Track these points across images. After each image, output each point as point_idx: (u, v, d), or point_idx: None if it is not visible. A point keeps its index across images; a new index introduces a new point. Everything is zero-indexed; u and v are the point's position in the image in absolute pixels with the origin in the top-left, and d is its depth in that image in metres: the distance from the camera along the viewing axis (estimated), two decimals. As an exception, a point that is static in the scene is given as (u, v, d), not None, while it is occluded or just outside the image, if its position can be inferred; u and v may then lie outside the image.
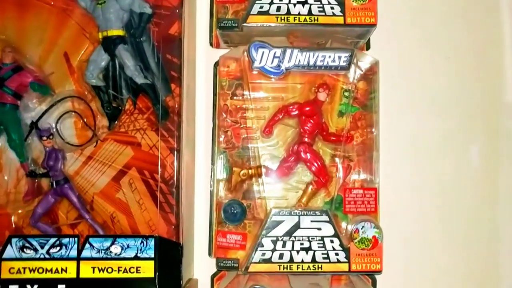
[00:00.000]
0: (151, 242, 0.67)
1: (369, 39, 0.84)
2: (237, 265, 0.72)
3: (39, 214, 0.74)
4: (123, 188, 0.79)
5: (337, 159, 0.79)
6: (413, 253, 0.82)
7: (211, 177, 0.81)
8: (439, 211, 0.83)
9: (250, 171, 0.78)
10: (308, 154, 0.76)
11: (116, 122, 0.77)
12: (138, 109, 0.79)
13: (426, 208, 0.83)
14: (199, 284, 0.82)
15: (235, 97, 0.79)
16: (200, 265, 0.82)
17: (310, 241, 0.70)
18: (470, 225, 0.83)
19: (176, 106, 0.78)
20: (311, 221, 0.71)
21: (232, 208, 0.74)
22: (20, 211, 0.74)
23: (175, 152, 0.77)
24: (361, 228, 0.71)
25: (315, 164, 0.76)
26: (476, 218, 0.83)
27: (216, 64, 0.83)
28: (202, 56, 0.86)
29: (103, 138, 0.78)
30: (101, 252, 0.67)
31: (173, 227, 0.74)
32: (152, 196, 0.78)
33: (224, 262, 0.72)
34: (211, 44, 0.86)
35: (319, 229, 0.71)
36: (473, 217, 0.83)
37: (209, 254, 0.80)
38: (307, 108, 0.77)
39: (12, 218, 0.74)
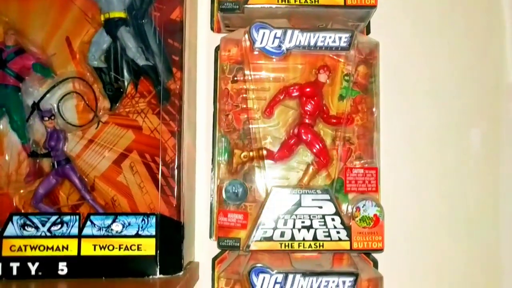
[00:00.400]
0: (152, 220, 0.67)
1: (369, 24, 0.84)
2: (238, 244, 0.72)
3: (41, 195, 0.74)
4: (124, 171, 0.79)
5: (337, 142, 0.79)
6: (414, 234, 0.82)
7: (212, 160, 0.81)
8: (440, 194, 0.83)
9: (251, 153, 0.78)
10: (309, 136, 0.77)
11: (117, 103, 0.78)
12: (140, 93, 0.79)
13: (427, 190, 0.83)
14: (200, 267, 0.82)
15: (236, 78, 0.79)
16: (201, 248, 0.82)
17: (311, 219, 0.70)
18: (471, 207, 0.83)
19: (178, 89, 0.78)
20: (312, 200, 0.71)
21: (234, 188, 0.74)
22: (22, 191, 0.74)
23: (176, 135, 0.78)
24: (362, 207, 0.71)
25: (316, 146, 0.76)
26: (477, 200, 0.83)
27: (217, 49, 0.83)
28: (203, 41, 0.87)
29: (104, 120, 0.78)
30: (102, 229, 0.67)
31: (174, 205, 0.74)
32: (153, 179, 0.78)
33: (225, 241, 0.72)
34: (212, 29, 0.87)
35: (320, 207, 0.71)
36: (474, 199, 0.83)
37: (210, 237, 0.80)
38: (308, 89, 0.77)
39: (14, 199, 0.74)
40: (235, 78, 0.80)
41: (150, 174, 0.79)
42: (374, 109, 0.78)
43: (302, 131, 0.77)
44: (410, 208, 0.82)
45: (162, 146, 0.79)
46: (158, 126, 0.79)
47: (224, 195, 0.74)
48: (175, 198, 0.78)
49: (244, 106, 0.80)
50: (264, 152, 0.78)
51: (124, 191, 0.78)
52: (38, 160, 0.76)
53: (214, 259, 0.81)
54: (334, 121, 0.79)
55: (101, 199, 0.76)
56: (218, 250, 0.80)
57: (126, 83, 0.78)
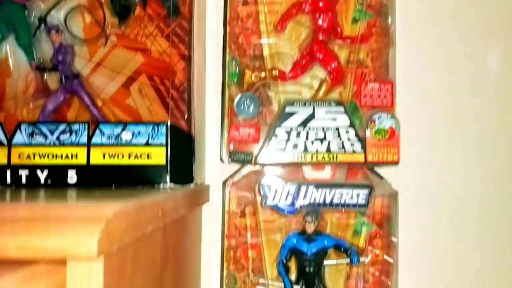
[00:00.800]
0: (163, 129, 0.66)
1: None
2: (250, 157, 0.70)
3: (49, 111, 0.73)
4: (133, 95, 0.79)
5: (350, 65, 0.77)
6: (429, 152, 0.80)
7: (222, 83, 0.79)
8: (456, 114, 0.81)
9: (262, 73, 0.76)
10: (322, 53, 0.75)
11: (126, 20, 0.76)
12: (148, 16, 0.77)
13: (443, 110, 0.81)
14: (210, 190, 0.81)
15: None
16: (211, 171, 0.81)
17: (325, 132, 0.68)
18: (488, 126, 0.81)
19: (187, 11, 0.76)
20: (326, 112, 0.69)
21: (246, 101, 0.72)
22: (30, 105, 0.73)
23: (186, 58, 0.76)
24: (378, 119, 0.69)
25: (330, 63, 0.74)
26: (494, 119, 0.81)
27: (227, -29, 0.81)
28: (212, -37, 0.85)
29: (112, 38, 0.77)
30: (112, 138, 0.65)
31: (184, 125, 0.73)
32: (162, 102, 0.78)
33: (237, 155, 0.70)
34: (222, -50, 0.84)
35: (334, 119, 0.69)
36: (491, 118, 0.81)
37: (221, 160, 0.79)
38: (321, 4, 0.75)
39: (21, 113, 0.73)
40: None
41: (159, 97, 0.79)
42: (389, 21, 0.75)
43: (315, 48, 0.74)
44: (424, 126, 0.80)
45: (171, 69, 0.77)
46: (167, 49, 0.78)
47: (235, 109, 0.72)
48: (185, 120, 0.77)
49: (255, 28, 0.78)
50: (276, 72, 0.76)
51: (133, 114, 0.77)
52: (45, 77, 0.75)
53: (224, 183, 0.80)
54: (349, 41, 0.77)
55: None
56: (228, 174, 0.79)
57: (133, 2, 0.76)
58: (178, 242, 0.58)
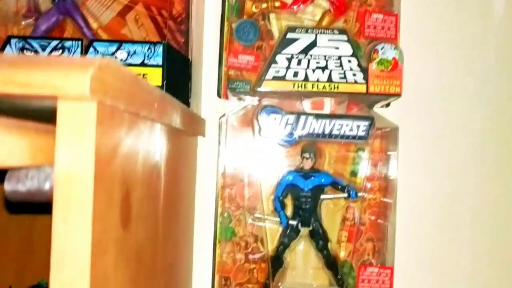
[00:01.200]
0: (159, 49, 0.63)
1: None
2: (249, 86, 0.68)
3: (41, 31, 0.70)
4: (129, 24, 0.77)
5: (354, 3, 0.75)
6: (431, 85, 0.78)
7: (221, 15, 0.77)
8: (461, 49, 0.79)
9: (263, 4, 0.74)
10: (326, -16, 0.72)
11: None
12: None
13: (445, 49, 0.79)
14: (206, 126, 0.79)
15: None
16: (208, 107, 0.79)
17: (326, 60, 0.66)
18: (492, 62, 0.79)
19: None
20: (329, 40, 0.67)
21: (246, 27, 0.69)
22: (22, 23, 0.70)
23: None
24: (381, 49, 0.67)
25: (333, -6, 0.72)
26: (500, 55, 0.79)
27: None
28: None
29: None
30: (106, 57, 0.63)
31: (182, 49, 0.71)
32: (159, 33, 0.76)
33: (235, 83, 0.68)
34: None
35: (337, 48, 0.67)
36: (497, 54, 0.79)
37: (218, 95, 0.77)
38: None
39: (11, 31, 0.70)
40: None
41: (156, 27, 0.77)
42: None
43: (319, -22, 0.72)
44: (427, 61, 0.78)
45: (169, -1, 0.75)
46: (165, -22, 0.76)
47: (235, 35, 0.69)
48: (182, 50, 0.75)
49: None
50: (278, 4, 0.74)
51: (129, 44, 0.75)
52: (37, -3, 0.72)
53: (221, 119, 0.77)
54: (352, -26, 0.75)
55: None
56: (225, 110, 0.77)
57: None
58: (173, 168, 0.55)
